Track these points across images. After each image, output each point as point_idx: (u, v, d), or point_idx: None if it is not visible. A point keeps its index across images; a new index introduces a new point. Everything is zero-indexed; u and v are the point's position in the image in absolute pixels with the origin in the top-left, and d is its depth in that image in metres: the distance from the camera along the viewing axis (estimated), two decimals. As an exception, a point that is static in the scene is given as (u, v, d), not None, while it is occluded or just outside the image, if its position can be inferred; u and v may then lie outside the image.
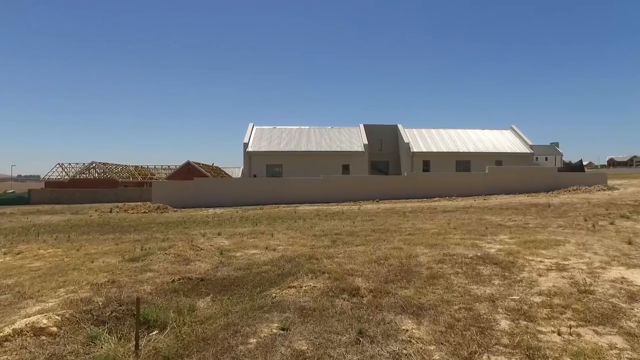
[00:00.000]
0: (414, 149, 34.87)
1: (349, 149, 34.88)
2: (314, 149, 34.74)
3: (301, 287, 5.17)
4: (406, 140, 35.32)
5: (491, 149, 35.62)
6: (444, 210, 17.01)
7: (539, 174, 30.07)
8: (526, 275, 5.39)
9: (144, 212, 23.28)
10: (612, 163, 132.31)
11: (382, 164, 38.15)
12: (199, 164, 50.86)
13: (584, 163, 55.23)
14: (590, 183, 29.70)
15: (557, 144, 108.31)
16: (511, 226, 10.81)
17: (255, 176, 32.65)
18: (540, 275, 5.34)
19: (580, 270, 5.50)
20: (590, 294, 4.52)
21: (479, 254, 6.84)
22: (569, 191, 27.52)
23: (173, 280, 5.99)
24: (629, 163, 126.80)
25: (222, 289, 5.52)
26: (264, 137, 36.35)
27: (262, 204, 25.20)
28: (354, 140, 36.24)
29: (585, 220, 11.56)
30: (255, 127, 37.67)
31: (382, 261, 6.70)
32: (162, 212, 23.08)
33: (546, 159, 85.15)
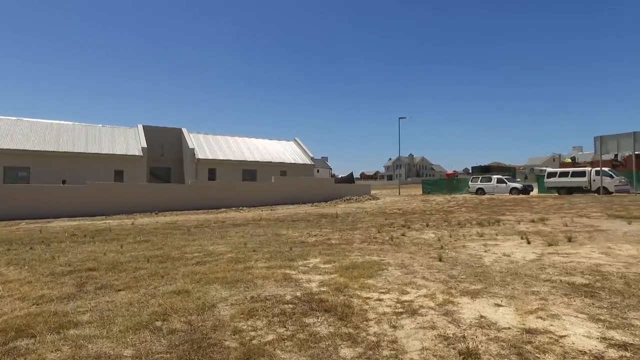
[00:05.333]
0: (199, 155, 32.19)
1: (123, 152, 29.54)
2: (79, 150, 28.05)
3: None
4: (191, 146, 32.27)
5: (277, 159, 36.03)
6: (234, 224, 15.16)
7: (320, 185, 31.76)
8: (377, 330, 3.76)
9: None
10: (363, 176, 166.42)
11: (163, 171, 34.00)
12: None
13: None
14: (360, 193, 33.31)
15: (326, 158, 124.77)
16: (315, 243, 9.59)
17: (64, 182, 24.86)
18: (394, 327, 3.79)
19: (433, 312, 4.24)
20: (477, 358, 3.13)
21: (298, 294, 5.00)
22: (345, 200, 29.86)
23: None
24: (374, 177, 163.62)
25: None
26: (4, 131, 27.38)
27: (-5, 219, 18.49)
28: (130, 142, 31.01)
29: (379, 232, 11.43)
30: (-13, 118, 28.13)
31: (159, 323, 4.11)
32: None
33: (318, 171, 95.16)
